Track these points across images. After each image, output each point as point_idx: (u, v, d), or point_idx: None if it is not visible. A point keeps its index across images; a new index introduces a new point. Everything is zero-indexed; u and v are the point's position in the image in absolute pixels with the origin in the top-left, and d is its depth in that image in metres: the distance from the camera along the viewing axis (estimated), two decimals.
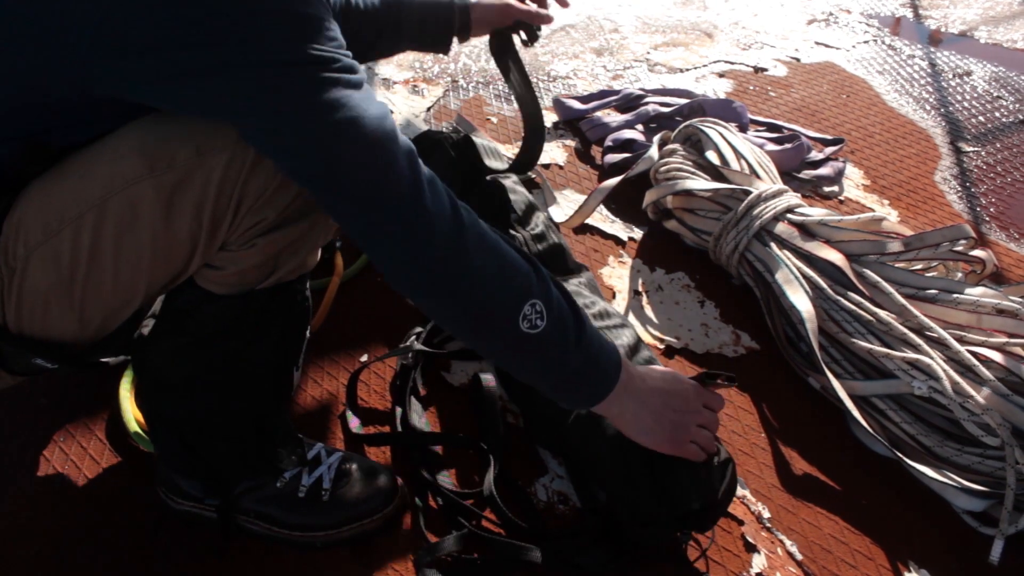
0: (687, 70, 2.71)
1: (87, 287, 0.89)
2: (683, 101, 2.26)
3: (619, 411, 1.05)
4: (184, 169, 0.84)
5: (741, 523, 1.25)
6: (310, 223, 0.96)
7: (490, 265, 0.91)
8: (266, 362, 1.07)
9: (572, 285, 1.43)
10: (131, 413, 1.31)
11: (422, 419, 1.36)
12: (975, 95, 2.62)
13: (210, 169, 0.85)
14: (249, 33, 0.76)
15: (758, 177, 1.72)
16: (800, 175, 2.10)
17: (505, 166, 1.76)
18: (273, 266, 0.97)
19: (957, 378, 1.30)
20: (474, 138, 1.75)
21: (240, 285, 0.97)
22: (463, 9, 1.60)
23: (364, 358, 1.48)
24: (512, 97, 2.38)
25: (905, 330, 1.38)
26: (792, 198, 1.64)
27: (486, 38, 1.73)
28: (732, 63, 2.78)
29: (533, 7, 1.66)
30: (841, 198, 2.06)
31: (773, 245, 1.57)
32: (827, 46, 2.95)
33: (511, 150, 2.16)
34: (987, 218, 2.02)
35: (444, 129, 1.78)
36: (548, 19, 1.65)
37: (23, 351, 0.93)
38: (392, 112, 0.94)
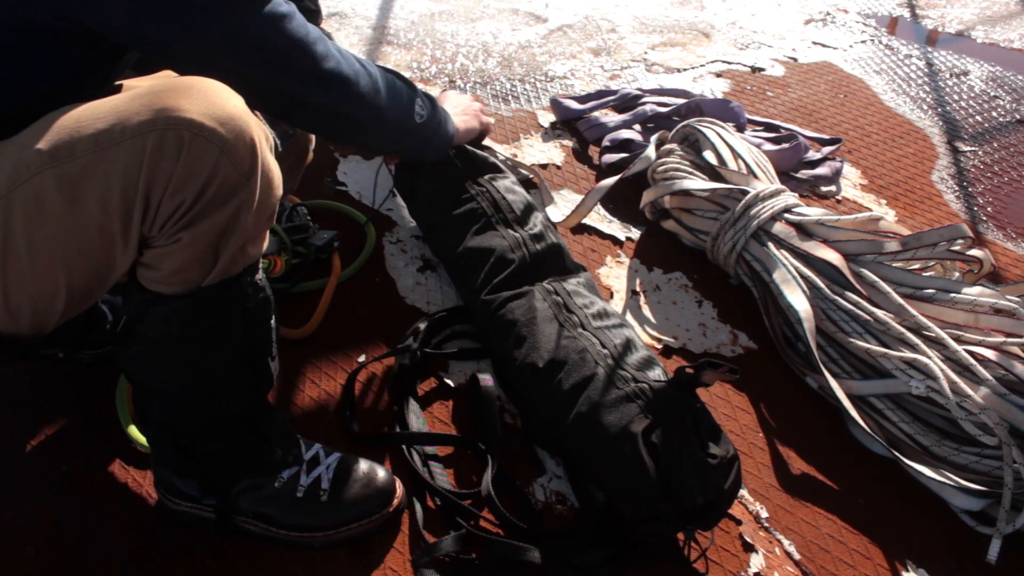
0: (684, 70, 2.71)
1: (6, 278, 0.89)
2: (680, 101, 2.26)
3: (461, 133, 1.59)
4: (84, 159, 0.84)
5: (739, 523, 1.25)
6: (234, 209, 0.92)
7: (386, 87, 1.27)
8: (236, 359, 1.05)
9: (571, 285, 1.43)
10: (128, 412, 1.31)
11: (420, 419, 1.36)
12: (972, 95, 2.62)
13: (111, 158, 0.84)
14: None
15: (755, 177, 1.72)
16: (797, 175, 2.10)
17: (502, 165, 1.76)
18: (213, 260, 0.95)
19: (955, 377, 1.30)
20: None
21: (184, 283, 0.96)
22: None
23: (362, 358, 1.48)
24: (508, 97, 2.38)
25: (902, 329, 1.38)
26: (789, 198, 1.64)
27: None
28: (729, 63, 2.78)
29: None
30: (838, 198, 2.06)
31: (771, 245, 1.57)
32: (824, 46, 2.95)
33: (508, 150, 2.16)
34: (984, 217, 2.02)
35: None
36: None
37: None
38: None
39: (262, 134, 0.93)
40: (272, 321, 1.09)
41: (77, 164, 0.84)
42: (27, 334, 0.96)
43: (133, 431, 1.28)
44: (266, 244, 1.04)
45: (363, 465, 1.20)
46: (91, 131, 0.84)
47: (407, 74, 2.55)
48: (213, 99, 0.88)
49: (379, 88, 1.26)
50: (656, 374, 1.24)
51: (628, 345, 1.30)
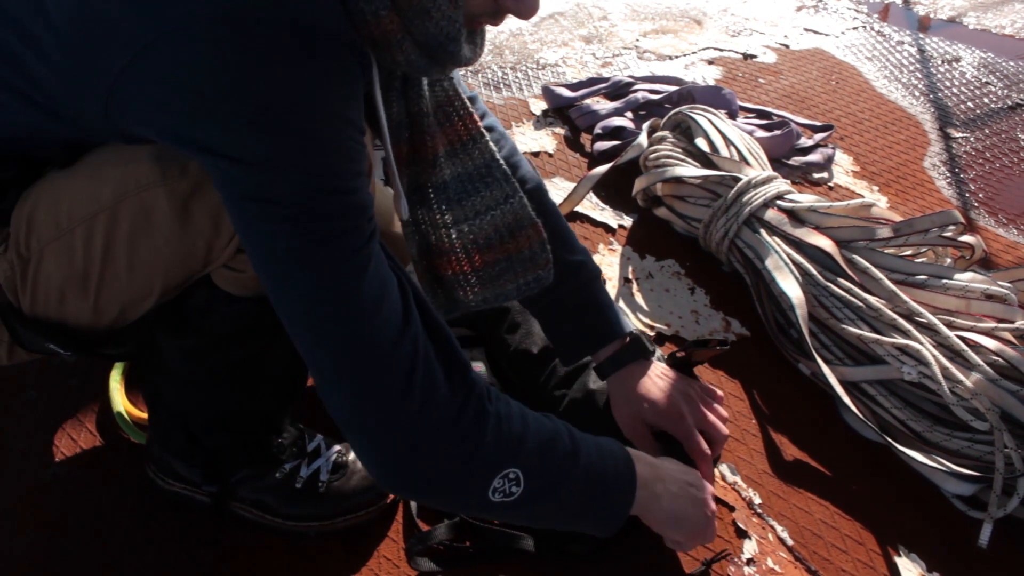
0: (676, 57, 2.71)
1: (102, 283, 0.89)
2: (672, 88, 2.26)
3: (654, 507, 0.99)
4: (197, 177, 0.83)
5: (732, 509, 1.25)
6: None
7: (453, 458, 0.84)
8: (282, 365, 1.06)
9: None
10: (122, 404, 1.30)
11: None
12: (964, 81, 2.62)
13: None
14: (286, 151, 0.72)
15: (747, 164, 1.72)
16: (789, 162, 2.10)
17: None
18: None
19: (946, 363, 1.30)
20: None
21: (258, 289, 0.95)
22: (614, 360, 1.19)
23: None
24: (500, 85, 2.37)
25: (895, 316, 1.38)
26: (782, 184, 1.63)
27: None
28: (721, 50, 2.77)
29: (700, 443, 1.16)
30: (831, 184, 2.06)
31: (763, 232, 1.57)
32: (816, 32, 2.94)
33: None
34: (976, 204, 2.02)
35: None
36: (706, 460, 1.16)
37: (37, 335, 0.93)
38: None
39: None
40: None
41: (189, 183, 0.83)
42: (104, 330, 0.95)
43: (127, 423, 1.28)
44: None
45: None
46: None
47: None
48: None
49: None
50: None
51: None
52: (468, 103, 1.06)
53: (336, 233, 0.75)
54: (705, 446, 1.10)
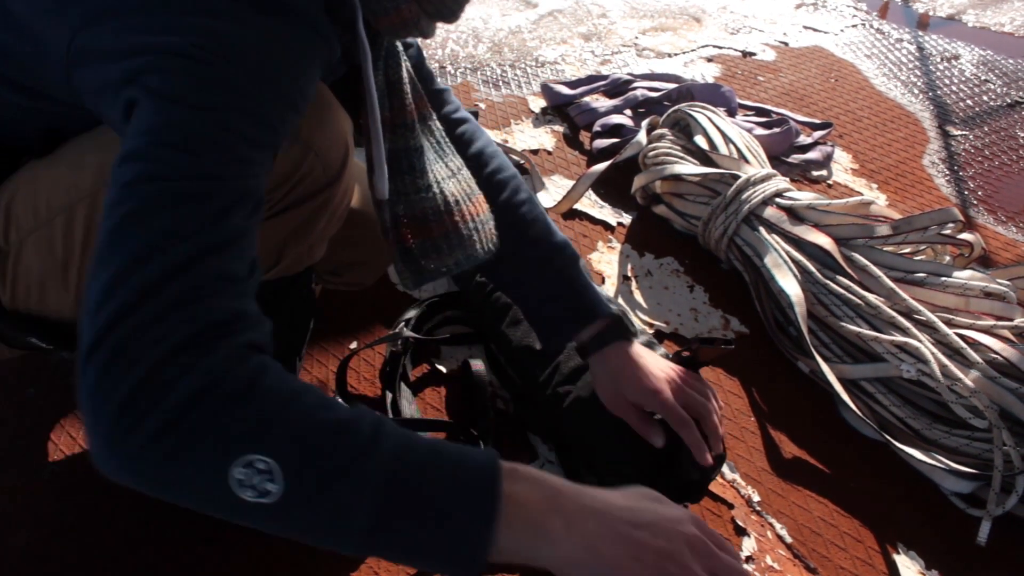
0: (675, 55, 2.71)
1: (82, 272, 0.88)
2: (671, 86, 2.26)
3: (549, 552, 0.66)
4: None
5: (731, 507, 1.25)
6: (313, 208, 0.93)
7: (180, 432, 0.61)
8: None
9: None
10: None
11: (412, 405, 1.36)
12: (963, 79, 2.62)
13: None
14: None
15: (747, 161, 1.72)
16: (788, 159, 2.10)
17: None
18: (278, 255, 0.95)
19: (945, 361, 1.30)
20: None
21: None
22: (596, 340, 1.14)
23: (353, 345, 1.47)
24: (499, 83, 2.37)
25: (893, 313, 1.38)
26: (781, 182, 1.63)
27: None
28: (720, 48, 2.77)
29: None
30: (829, 182, 2.06)
31: (762, 229, 1.57)
32: (815, 30, 2.94)
33: (499, 136, 2.15)
34: (975, 201, 2.02)
35: None
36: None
37: (19, 330, 0.93)
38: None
39: (352, 141, 0.94)
40: (311, 322, 1.08)
41: None
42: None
43: None
44: (325, 247, 1.04)
45: None
46: None
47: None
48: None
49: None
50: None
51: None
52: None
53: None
54: (684, 413, 1.04)
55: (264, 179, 0.69)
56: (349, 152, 0.92)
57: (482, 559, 0.62)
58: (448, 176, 1.06)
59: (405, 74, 1.02)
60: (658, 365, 1.11)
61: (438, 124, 1.09)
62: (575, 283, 1.14)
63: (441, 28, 1.60)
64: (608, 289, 1.66)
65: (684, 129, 1.88)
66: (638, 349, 1.13)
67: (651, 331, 1.55)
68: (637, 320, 1.58)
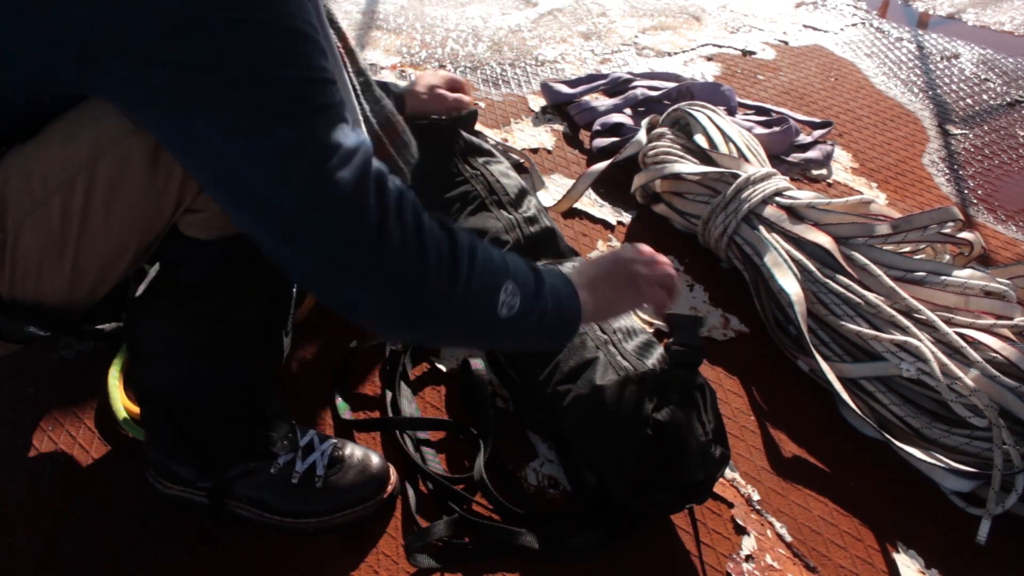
0: (675, 54, 2.71)
1: (80, 247, 0.89)
2: (671, 85, 2.26)
3: (590, 313, 1.06)
4: None
5: (731, 506, 1.25)
6: None
7: (463, 278, 0.87)
8: (255, 322, 1.06)
9: (566, 269, 1.43)
10: (120, 401, 1.30)
11: (411, 404, 1.36)
12: (963, 78, 2.62)
13: None
14: (234, 40, 0.73)
15: (746, 160, 1.72)
16: (788, 158, 2.10)
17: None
18: None
19: (945, 360, 1.30)
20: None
21: (222, 228, 0.96)
22: (399, 97, 1.59)
23: (354, 344, 1.47)
24: (499, 82, 2.37)
25: (893, 312, 1.38)
26: (780, 181, 1.63)
27: None
28: (720, 46, 2.77)
29: (459, 96, 1.67)
30: (829, 181, 2.06)
31: (762, 228, 1.57)
32: (815, 29, 2.94)
33: (499, 135, 2.15)
34: (975, 200, 2.02)
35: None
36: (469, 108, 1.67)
37: (17, 319, 0.93)
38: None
39: None
40: (294, 289, 1.08)
41: None
42: (79, 306, 0.96)
43: (124, 417, 1.28)
44: None
45: (358, 452, 1.20)
46: None
47: (395, 59, 2.53)
48: None
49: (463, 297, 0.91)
50: (656, 357, 1.24)
51: (628, 331, 1.30)
52: None
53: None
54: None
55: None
56: None
57: (579, 323, 1.03)
58: (373, 104, 1.18)
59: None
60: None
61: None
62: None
63: (441, 27, 1.61)
64: None
65: (684, 128, 1.88)
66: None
67: (651, 330, 1.55)
68: (636, 319, 1.58)
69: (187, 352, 1.05)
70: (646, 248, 1.16)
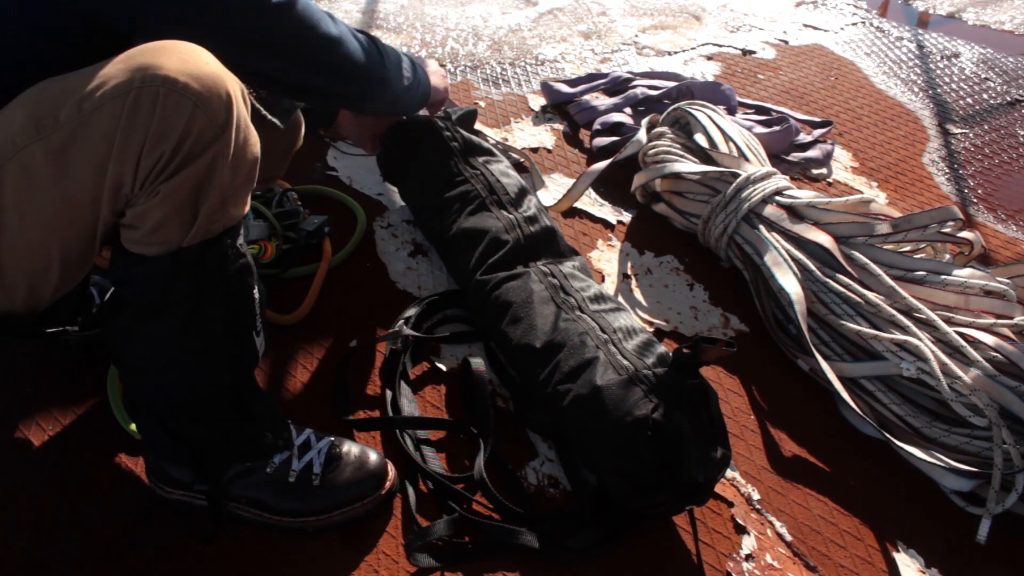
0: (675, 53, 2.71)
1: (1, 253, 0.90)
2: (671, 84, 2.26)
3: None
4: (69, 127, 0.85)
5: (731, 505, 1.25)
6: (210, 161, 0.92)
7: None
8: (218, 329, 1.04)
9: (567, 268, 1.43)
10: (119, 399, 1.30)
11: (412, 404, 1.36)
12: (963, 77, 2.62)
13: (94, 123, 0.85)
14: None
15: (747, 160, 1.72)
16: (788, 157, 2.10)
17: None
18: (192, 216, 0.95)
19: (945, 359, 1.30)
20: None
21: (164, 243, 0.95)
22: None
23: (353, 343, 1.47)
24: (499, 81, 2.37)
25: (893, 312, 1.38)
26: (780, 180, 1.63)
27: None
28: (720, 46, 2.77)
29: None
30: (829, 180, 2.06)
31: (762, 228, 1.57)
32: (815, 28, 2.94)
33: (499, 134, 2.15)
34: (975, 199, 2.02)
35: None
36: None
37: None
38: None
39: (238, 89, 0.95)
40: (255, 292, 1.07)
41: (62, 133, 0.85)
42: (22, 311, 0.96)
43: (124, 419, 1.28)
44: (247, 208, 1.04)
45: (355, 448, 1.20)
46: (74, 98, 0.85)
47: None
48: (187, 56, 0.89)
49: (378, 63, 1.28)
50: (657, 356, 1.24)
51: (628, 330, 1.30)
52: None
53: None
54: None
55: None
56: (232, 102, 0.93)
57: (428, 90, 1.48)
58: None
59: None
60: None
61: None
62: None
63: (441, 26, 1.64)
64: (608, 287, 1.66)
65: (684, 127, 1.88)
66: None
67: (651, 329, 1.55)
68: (637, 318, 1.58)
69: (158, 363, 1.05)
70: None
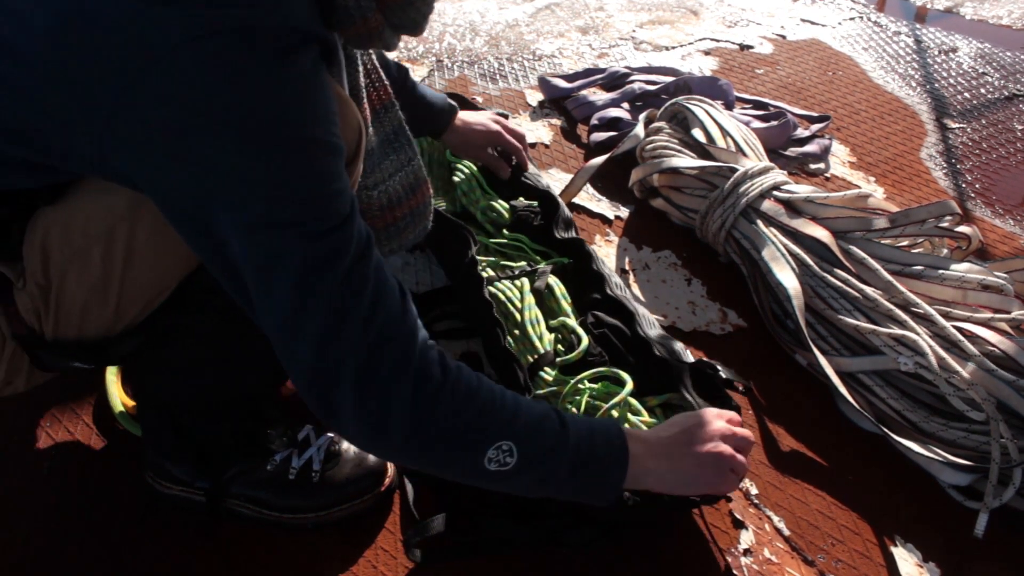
0: (673, 48, 2.70)
1: (123, 288, 0.91)
2: (669, 79, 2.25)
3: (654, 480, 1.03)
4: None
5: (729, 499, 1.25)
6: None
7: (453, 426, 0.89)
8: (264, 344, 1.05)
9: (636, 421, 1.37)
10: (118, 397, 1.30)
11: None
12: (960, 72, 2.62)
13: None
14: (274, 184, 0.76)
15: (744, 155, 1.72)
16: (786, 152, 2.09)
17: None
18: None
19: (943, 353, 1.30)
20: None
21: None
22: (451, 113, 1.63)
23: None
24: (496, 76, 2.37)
25: (891, 306, 1.38)
26: (778, 175, 1.63)
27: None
28: (718, 41, 2.77)
29: (514, 141, 1.70)
30: (827, 175, 2.06)
31: (759, 222, 1.57)
32: (813, 23, 2.94)
33: None
34: (972, 194, 2.02)
35: None
36: (523, 161, 1.72)
37: (61, 356, 0.94)
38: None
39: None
40: None
41: None
42: (116, 336, 0.97)
43: (122, 414, 1.27)
44: None
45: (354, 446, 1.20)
46: None
47: (393, 54, 2.53)
48: None
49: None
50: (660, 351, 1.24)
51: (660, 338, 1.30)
52: (382, 72, 1.19)
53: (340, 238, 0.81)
54: (512, 139, 1.65)
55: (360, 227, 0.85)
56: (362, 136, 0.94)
57: (619, 491, 1.01)
58: (396, 171, 1.19)
59: (362, 79, 1.11)
60: (482, 117, 1.65)
61: (398, 110, 1.20)
62: (420, 99, 1.53)
63: (438, 21, 1.62)
64: None
65: (682, 122, 1.87)
66: (464, 114, 1.62)
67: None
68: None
69: (198, 364, 1.05)
70: (735, 417, 1.12)
